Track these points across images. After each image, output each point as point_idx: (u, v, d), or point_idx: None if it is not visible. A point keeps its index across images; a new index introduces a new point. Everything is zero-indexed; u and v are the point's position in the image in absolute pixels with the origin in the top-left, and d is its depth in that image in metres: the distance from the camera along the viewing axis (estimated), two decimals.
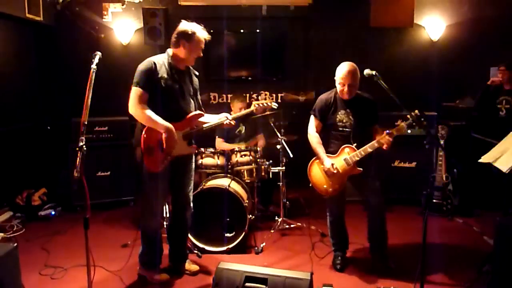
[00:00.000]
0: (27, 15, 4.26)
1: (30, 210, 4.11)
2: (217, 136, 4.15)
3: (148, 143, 2.55)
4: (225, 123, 2.77)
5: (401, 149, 4.34)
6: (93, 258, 2.11)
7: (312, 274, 2.17)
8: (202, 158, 3.59)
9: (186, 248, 3.03)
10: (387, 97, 2.48)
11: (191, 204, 2.87)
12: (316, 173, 2.91)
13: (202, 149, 3.61)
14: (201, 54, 2.69)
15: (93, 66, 2.22)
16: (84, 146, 2.03)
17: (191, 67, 2.78)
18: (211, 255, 3.19)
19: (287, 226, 3.71)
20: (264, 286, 2.11)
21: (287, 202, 4.00)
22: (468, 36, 4.97)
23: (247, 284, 2.13)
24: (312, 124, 2.94)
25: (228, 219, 3.28)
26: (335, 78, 2.81)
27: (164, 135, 2.49)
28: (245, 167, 3.62)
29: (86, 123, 2.08)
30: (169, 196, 2.89)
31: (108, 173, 4.39)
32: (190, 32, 2.56)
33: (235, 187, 3.37)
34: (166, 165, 2.61)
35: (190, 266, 2.93)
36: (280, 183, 3.75)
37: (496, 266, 2.45)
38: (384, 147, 2.67)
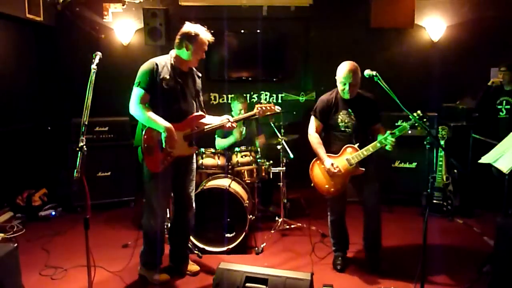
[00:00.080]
0: (28, 15, 4.26)
1: (31, 210, 4.11)
2: (217, 137, 4.15)
3: (148, 143, 2.57)
4: (226, 125, 2.77)
5: (401, 150, 4.35)
6: (93, 259, 2.11)
7: (312, 274, 2.17)
8: (202, 158, 3.59)
9: (187, 249, 3.03)
10: (387, 98, 2.48)
11: (193, 205, 2.87)
12: (318, 173, 2.91)
13: (203, 150, 3.61)
14: (204, 56, 2.69)
15: (94, 66, 2.22)
16: (84, 147, 2.03)
17: (194, 69, 2.79)
18: (212, 256, 3.19)
19: (288, 227, 3.71)
20: (265, 287, 2.11)
21: (288, 203, 4.00)
22: (468, 37, 4.98)
23: (247, 284, 2.13)
24: (312, 124, 2.94)
25: (228, 220, 3.28)
26: (336, 77, 2.81)
27: (163, 135, 2.49)
28: (246, 167, 3.62)
29: (86, 123, 2.08)
30: (171, 197, 2.90)
31: (109, 173, 4.39)
32: (193, 34, 2.57)
33: (236, 187, 3.37)
34: (167, 165, 2.61)
35: (190, 266, 2.94)
36: (281, 184, 3.76)
37: (497, 267, 2.45)
38: (387, 147, 2.67)
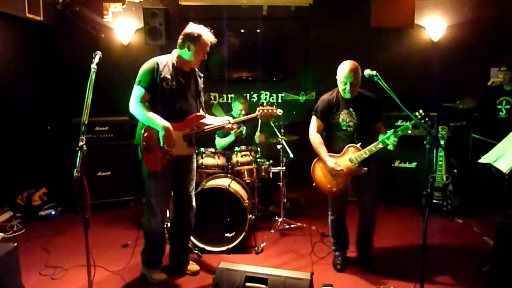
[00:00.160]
0: (27, 15, 4.26)
1: (31, 210, 4.11)
2: (217, 136, 4.15)
3: (147, 141, 2.58)
4: (226, 126, 2.77)
5: (401, 150, 4.34)
6: (93, 258, 2.11)
7: (312, 274, 2.17)
8: (202, 158, 3.59)
9: (188, 249, 3.03)
10: (387, 98, 2.48)
11: (194, 204, 2.88)
12: (320, 173, 2.90)
13: (203, 149, 3.61)
14: (205, 57, 2.69)
15: (94, 66, 2.22)
16: (84, 146, 2.03)
17: (196, 69, 2.79)
18: (212, 255, 3.19)
19: (287, 226, 3.71)
20: (265, 286, 2.11)
21: (287, 202, 4.00)
22: (468, 37, 4.98)
23: (247, 284, 2.13)
24: (314, 124, 2.93)
25: (228, 219, 3.28)
26: (336, 77, 2.80)
27: (161, 133, 2.50)
28: (246, 167, 3.62)
29: (86, 123, 2.08)
30: (171, 196, 2.90)
31: (109, 173, 4.38)
32: (196, 35, 2.57)
33: (236, 187, 3.37)
34: (165, 164, 2.62)
35: (190, 266, 2.94)
36: (280, 183, 3.76)
37: (496, 267, 2.45)
38: (389, 147, 2.66)
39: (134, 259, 2.98)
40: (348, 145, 2.79)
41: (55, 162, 4.63)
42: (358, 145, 2.77)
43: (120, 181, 4.40)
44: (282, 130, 3.80)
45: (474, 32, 4.94)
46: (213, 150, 3.65)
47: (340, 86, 2.80)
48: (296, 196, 4.66)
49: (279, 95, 5.22)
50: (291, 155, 3.65)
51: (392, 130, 2.64)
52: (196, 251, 3.19)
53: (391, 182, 4.39)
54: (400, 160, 4.44)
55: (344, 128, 2.82)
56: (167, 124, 2.51)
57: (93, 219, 2.09)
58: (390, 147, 2.66)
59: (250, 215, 3.39)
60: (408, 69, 5.03)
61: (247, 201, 3.37)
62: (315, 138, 2.89)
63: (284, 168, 3.73)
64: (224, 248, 3.23)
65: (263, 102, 2.97)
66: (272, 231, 3.59)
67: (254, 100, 5.15)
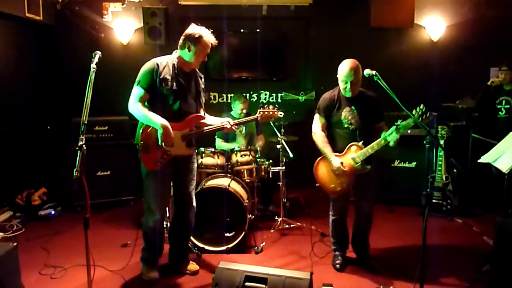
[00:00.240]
0: (27, 14, 4.26)
1: (30, 209, 4.11)
2: (216, 137, 4.15)
3: (145, 140, 2.59)
4: (228, 127, 2.76)
5: (401, 149, 4.35)
6: (93, 258, 2.11)
7: (312, 274, 2.17)
8: (202, 157, 3.59)
9: (187, 249, 3.03)
10: (387, 97, 2.48)
11: (194, 204, 2.88)
12: (323, 172, 2.88)
13: (202, 149, 3.61)
14: (206, 59, 2.70)
15: (93, 65, 2.22)
16: (84, 146, 2.03)
17: (197, 70, 2.79)
18: (211, 255, 3.19)
19: (287, 226, 3.71)
20: (264, 286, 2.11)
21: (287, 202, 4.00)
22: (468, 37, 4.98)
23: (247, 283, 2.13)
24: (317, 123, 2.91)
25: (228, 219, 3.28)
26: (337, 76, 2.80)
27: (159, 132, 2.51)
28: (245, 166, 3.62)
29: (86, 122, 2.08)
30: (170, 196, 2.90)
31: (108, 172, 4.38)
32: (197, 36, 2.57)
33: (235, 186, 3.37)
34: (163, 164, 2.62)
35: (190, 265, 2.94)
36: (280, 183, 3.76)
37: (496, 266, 2.45)
38: (391, 144, 2.64)
39: (133, 258, 2.98)
40: (350, 144, 2.78)
41: (54, 161, 4.63)
42: (360, 143, 2.76)
43: (120, 180, 4.40)
44: (282, 130, 3.80)
45: (473, 31, 4.94)
46: (212, 149, 3.65)
47: (341, 84, 2.80)
48: (295, 196, 4.66)
49: (279, 95, 5.21)
50: (291, 155, 3.65)
51: (394, 127, 2.63)
52: (196, 251, 3.19)
53: (391, 182, 4.39)
54: (400, 160, 4.44)
55: (345, 126, 2.81)
56: (165, 122, 2.52)
57: (92, 218, 2.09)
58: (391, 143, 2.64)
59: (250, 215, 3.39)
60: (408, 68, 5.03)
61: (247, 201, 3.37)
62: (319, 137, 2.87)
63: (283, 168, 3.73)
64: (224, 247, 3.23)
65: (263, 103, 2.94)
66: (272, 230, 3.59)
67: (254, 100, 5.14)
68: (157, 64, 2.58)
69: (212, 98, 5.13)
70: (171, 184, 2.88)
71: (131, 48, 5.03)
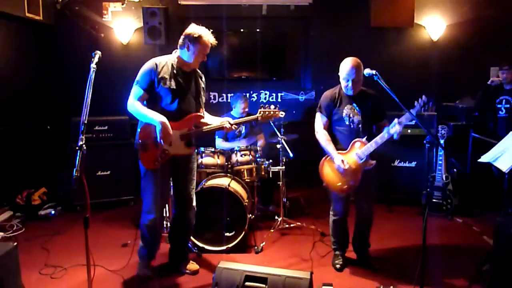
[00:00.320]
0: (27, 14, 4.26)
1: (30, 209, 4.11)
2: (217, 137, 4.15)
3: (143, 139, 2.61)
4: (227, 126, 2.75)
5: (401, 149, 4.35)
6: (93, 258, 2.11)
7: (312, 273, 2.17)
8: (202, 157, 3.59)
9: (187, 248, 3.03)
10: (387, 97, 2.48)
11: (194, 204, 2.88)
12: (329, 172, 2.85)
13: (202, 149, 3.61)
14: (205, 59, 2.70)
15: (93, 65, 2.22)
16: (84, 146, 2.03)
17: (197, 70, 2.79)
18: (211, 255, 3.19)
19: (287, 226, 3.71)
20: (264, 286, 2.11)
21: (287, 202, 4.00)
22: (468, 36, 4.98)
23: (247, 283, 2.13)
24: (319, 121, 2.89)
25: (228, 219, 3.28)
26: (338, 74, 2.79)
27: (158, 128, 2.51)
28: (245, 166, 3.62)
29: (86, 122, 2.08)
30: (170, 196, 2.90)
31: (108, 172, 4.38)
32: (196, 35, 2.57)
33: (235, 186, 3.37)
34: (161, 163, 2.62)
35: (190, 265, 2.94)
36: (280, 183, 3.76)
37: (496, 266, 2.45)
38: (394, 136, 2.62)
39: (133, 258, 2.98)
40: (354, 140, 2.76)
41: (54, 161, 4.63)
42: (364, 138, 2.75)
43: (120, 180, 4.40)
44: (282, 130, 3.80)
45: (473, 31, 4.94)
46: (212, 149, 3.65)
47: (343, 83, 2.79)
48: (295, 195, 4.66)
49: (279, 94, 5.22)
50: (291, 155, 3.65)
51: (396, 119, 2.62)
52: (196, 251, 3.19)
53: (391, 182, 4.39)
54: (400, 159, 4.44)
55: (347, 123, 2.80)
56: (164, 119, 2.52)
57: (92, 218, 2.09)
58: (395, 136, 2.63)
59: (250, 215, 3.39)
60: (408, 68, 5.03)
61: (247, 201, 3.37)
62: (322, 135, 2.85)
63: (283, 167, 3.73)
64: (224, 247, 3.23)
65: (263, 103, 2.91)
66: (272, 230, 3.59)
67: (254, 99, 5.14)
68: (156, 64, 2.59)
69: (212, 98, 5.13)
70: (171, 184, 2.88)
71: (131, 48, 5.03)
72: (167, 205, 3.49)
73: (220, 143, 4.12)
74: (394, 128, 2.62)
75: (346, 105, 2.81)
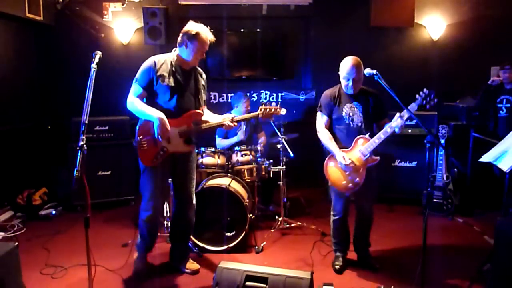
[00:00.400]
0: (27, 14, 4.26)
1: (31, 209, 4.11)
2: (217, 136, 4.15)
3: (142, 136, 2.63)
4: (226, 123, 2.75)
5: (401, 149, 4.35)
6: (93, 258, 2.11)
7: (312, 273, 2.17)
8: (202, 157, 3.59)
9: (187, 247, 3.03)
10: (387, 96, 2.48)
11: (193, 202, 2.88)
12: (333, 171, 2.83)
13: (203, 149, 3.61)
14: (204, 56, 2.70)
15: (93, 65, 2.23)
16: (84, 146, 2.03)
17: (197, 67, 2.80)
18: (212, 254, 3.19)
19: (288, 226, 3.71)
20: (265, 285, 2.11)
21: (288, 202, 4.00)
22: (468, 36, 4.97)
23: (247, 283, 2.13)
24: (320, 121, 2.89)
25: (228, 219, 3.28)
26: (339, 73, 2.79)
27: (155, 124, 2.53)
28: (246, 166, 3.62)
29: (86, 122, 2.08)
30: (169, 194, 2.91)
31: (109, 172, 4.39)
32: (193, 33, 2.58)
33: (236, 186, 3.37)
34: (160, 160, 2.63)
35: (190, 265, 2.94)
36: (281, 183, 3.75)
37: (496, 266, 2.45)
38: (397, 130, 2.61)
39: (133, 257, 2.98)
40: (357, 137, 2.75)
41: (55, 161, 4.63)
42: (367, 135, 2.74)
43: (120, 180, 4.40)
44: (282, 129, 3.80)
45: (474, 31, 4.94)
46: (213, 149, 3.65)
47: (343, 82, 2.79)
48: (296, 195, 4.66)
49: (279, 94, 5.22)
50: (291, 154, 3.65)
51: (398, 113, 2.62)
52: (196, 251, 3.19)
53: (391, 181, 4.39)
54: (401, 159, 4.44)
55: (347, 122, 2.80)
56: (161, 114, 2.54)
57: (93, 218, 2.09)
58: (397, 130, 2.61)
59: (250, 215, 3.39)
60: (408, 68, 5.03)
61: (247, 200, 3.37)
62: (324, 134, 2.84)
63: (284, 167, 3.73)
64: (224, 247, 3.24)
65: (263, 103, 2.89)
66: (272, 230, 3.59)
67: (255, 99, 5.14)
68: (155, 62, 2.62)
69: (213, 97, 5.13)
70: (171, 182, 2.89)
71: (131, 48, 5.03)
72: (167, 205, 3.49)
73: (219, 141, 4.11)
74: (396, 122, 2.61)
75: (345, 104, 2.81)
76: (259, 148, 3.75)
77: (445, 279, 2.82)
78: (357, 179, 2.75)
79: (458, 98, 4.83)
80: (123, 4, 4.90)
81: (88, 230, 2.04)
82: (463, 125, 4.40)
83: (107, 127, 4.38)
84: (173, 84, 2.61)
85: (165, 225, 3.54)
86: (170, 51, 2.73)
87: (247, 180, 3.61)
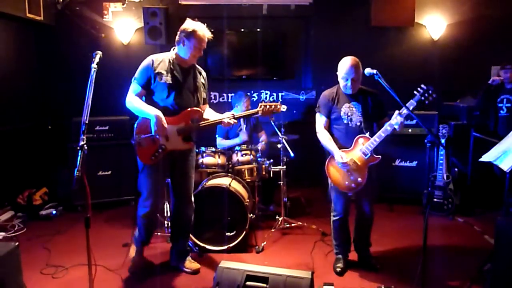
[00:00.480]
0: (28, 14, 4.26)
1: (32, 209, 4.11)
2: (217, 136, 4.15)
3: (140, 134, 2.65)
4: (225, 121, 2.74)
5: (402, 149, 4.35)
6: (94, 257, 2.11)
7: (313, 273, 2.17)
8: (203, 157, 3.59)
9: (186, 246, 3.03)
10: (388, 96, 2.48)
11: (191, 200, 2.88)
12: (335, 171, 2.82)
13: (203, 148, 3.61)
14: (201, 54, 2.70)
15: (94, 65, 2.23)
16: (85, 146, 2.03)
17: (196, 65, 2.80)
18: (212, 254, 3.19)
19: (288, 225, 3.71)
20: (265, 285, 2.11)
21: (288, 201, 4.00)
22: (469, 35, 4.97)
23: (248, 283, 2.13)
24: (319, 122, 2.89)
25: (229, 218, 3.28)
26: (337, 73, 2.79)
27: (152, 121, 2.54)
28: (246, 166, 3.62)
29: (87, 122, 2.08)
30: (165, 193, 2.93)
31: (109, 172, 4.39)
32: (190, 30, 2.59)
33: (236, 186, 3.37)
34: (159, 158, 2.64)
35: (191, 264, 2.94)
36: (281, 182, 3.75)
37: (497, 265, 2.45)
38: (396, 127, 2.60)
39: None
40: (357, 137, 2.74)
41: (55, 161, 4.64)
42: (367, 134, 2.73)
43: (121, 180, 4.40)
44: (283, 129, 3.80)
45: (474, 30, 4.94)
46: (213, 149, 3.65)
47: (341, 82, 2.78)
48: (296, 195, 4.66)
49: (279, 94, 5.21)
50: (292, 154, 3.64)
51: (397, 111, 2.61)
52: (197, 250, 3.19)
53: (392, 181, 4.39)
54: (401, 159, 4.44)
55: (345, 122, 2.79)
56: (158, 112, 2.56)
57: (93, 218, 2.09)
58: (396, 127, 2.60)
59: (251, 214, 3.39)
60: (409, 67, 5.02)
61: (248, 200, 3.37)
62: (323, 135, 2.84)
63: (284, 167, 3.73)
64: (225, 247, 3.24)
65: (265, 101, 2.88)
66: (273, 230, 3.59)
67: (255, 99, 5.14)
68: (153, 60, 2.65)
69: (213, 97, 5.13)
70: (170, 182, 2.89)
71: (131, 48, 5.03)
72: (168, 205, 3.50)
73: (220, 141, 4.11)
74: (395, 120, 2.60)
75: (344, 104, 2.81)
76: (260, 146, 3.75)
77: (445, 279, 2.82)
78: (359, 178, 2.74)
79: (458, 97, 4.82)
80: (123, 4, 4.90)
81: (88, 230, 2.04)
82: (464, 125, 4.39)
83: (107, 127, 4.39)
84: (170, 82, 2.62)
85: (166, 225, 3.54)
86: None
87: (247, 180, 3.61)
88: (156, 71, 2.62)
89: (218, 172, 3.58)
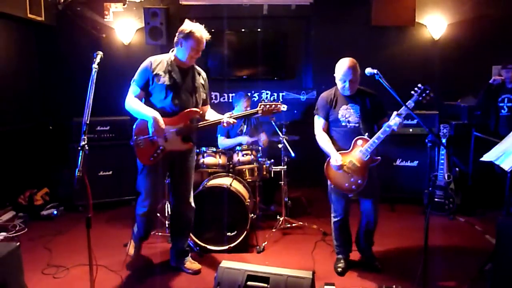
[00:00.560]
0: (29, 15, 4.27)
1: (33, 209, 4.12)
2: (219, 135, 4.15)
3: (138, 135, 2.67)
4: (225, 120, 2.73)
5: (402, 148, 4.35)
6: (95, 258, 2.12)
7: (314, 273, 2.17)
8: (204, 157, 3.59)
9: (186, 246, 3.02)
10: (388, 96, 2.48)
11: (191, 200, 2.88)
12: (334, 173, 2.80)
13: (204, 148, 3.61)
14: (199, 55, 2.70)
15: (95, 65, 2.24)
16: (86, 146, 2.04)
17: (196, 66, 2.80)
18: (213, 254, 3.20)
19: (289, 225, 3.71)
20: (266, 285, 2.11)
21: (289, 201, 4.00)
22: (469, 35, 4.96)
23: (249, 283, 2.13)
24: (317, 124, 2.89)
25: (229, 218, 3.28)
26: (334, 75, 2.79)
27: (150, 122, 2.55)
28: (247, 166, 3.62)
29: (88, 122, 2.09)
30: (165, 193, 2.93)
31: (110, 172, 4.39)
32: (187, 31, 2.59)
33: (237, 186, 3.37)
34: (158, 159, 2.65)
35: (191, 264, 2.94)
36: (282, 182, 3.76)
37: (498, 265, 2.44)
38: (395, 127, 2.60)
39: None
40: (356, 138, 2.73)
41: (56, 162, 4.64)
42: (366, 135, 2.73)
43: (122, 180, 4.40)
44: (283, 129, 3.80)
45: (475, 30, 4.93)
46: (214, 149, 3.65)
47: (339, 84, 2.78)
48: (297, 195, 4.66)
49: (280, 94, 5.21)
50: (292, 154, 3.64)
51: (395, 111, 2.61)
52: (198, 250, 3.19)
53: (393, 181, 4.39)
54: (402, 158, 4.44)
55: (343, 124, 2.79)
56: (156, 113, 2.57)
57: (94, 218, 2.09)
58: (394, 127, 2.59)
59: (252, 214, 3.39)
60: (409, 67, 5.01)
61: (249, 200, 3.37)
62: (321, 137, 2.84)
63: (285, 167, 3.73)
64: (226, 247, 3.24)
65: (265, 100, 2.86)
66: (274, 230, 3.59)
67: (256, 99, 5.14)
68: (151, 62, 2.66)
69: (214, 97, 5.14)
70: (169, 182, 2.90)
71: (132, 48, 5.04)
72: (169, 205, 3.50)
73: (221, 140, 4.11)
74: (393, 120, 2.60)
75: (342, 106, 2.81)
76: (263, 138, 3.74)
77: (446, 278, 2.81)
78: (360, 180, 2.74)
79: (459, 97, 4.82)
80: (124, 5, 4.90)
81: (89, 230, 2.04)
82: (465, 124, 4.39)
83: (108, 127, 4.40)
84: (168, 82, 2.63)
85: (166, 225, 3.54)
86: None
87: (248, 180, 3.61)
88: (154, 73, 2.62)
89: (219, 172, 3.58)
